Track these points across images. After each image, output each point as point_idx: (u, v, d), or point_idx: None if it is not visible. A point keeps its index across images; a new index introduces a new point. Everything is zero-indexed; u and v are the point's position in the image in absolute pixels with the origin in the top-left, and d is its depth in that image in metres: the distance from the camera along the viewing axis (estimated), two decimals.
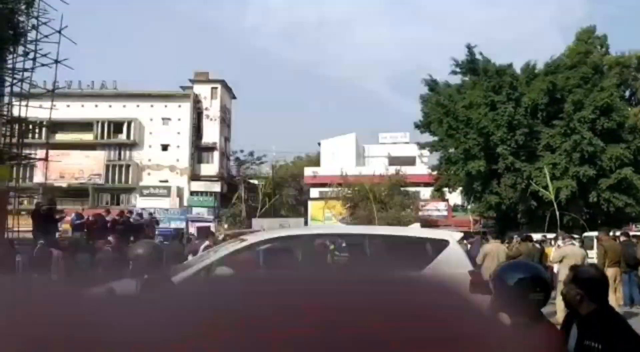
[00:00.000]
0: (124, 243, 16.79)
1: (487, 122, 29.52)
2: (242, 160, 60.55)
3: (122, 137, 48.99)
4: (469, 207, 34.34)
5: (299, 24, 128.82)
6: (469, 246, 14.69)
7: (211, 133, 49.28)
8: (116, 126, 48.37)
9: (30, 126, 21.43)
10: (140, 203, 45.71)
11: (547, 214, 23.08)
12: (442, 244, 5.74)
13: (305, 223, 39.56)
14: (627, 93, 38.58)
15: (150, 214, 21.28)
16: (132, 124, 48.62)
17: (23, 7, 15.26)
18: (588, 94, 29.20)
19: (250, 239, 6.04)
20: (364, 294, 0.56)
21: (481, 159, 30.05)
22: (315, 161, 60.67)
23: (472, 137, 30.18)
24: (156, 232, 20.60)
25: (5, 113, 15.53)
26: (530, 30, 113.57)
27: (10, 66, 15.33)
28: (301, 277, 0.63)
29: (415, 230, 6.83)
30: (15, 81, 15.22)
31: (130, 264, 3.71)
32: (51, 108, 15.16)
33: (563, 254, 9.33)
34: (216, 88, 50.07)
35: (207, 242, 13.68)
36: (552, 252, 11.32)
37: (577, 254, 9.19)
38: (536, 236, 15.40)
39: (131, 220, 19.47)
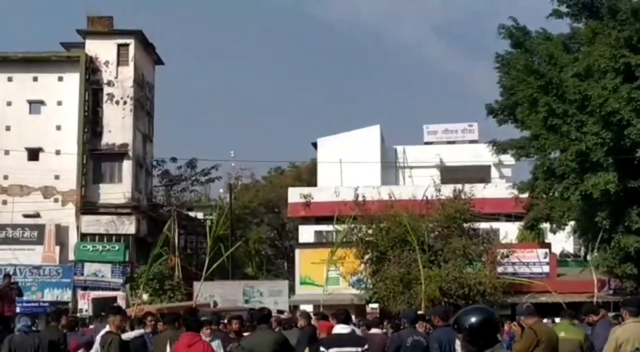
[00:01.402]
0: None
1: (619, 104, 29.56)
2: (175, 176, 60.82)
3: None
4: (589, 257, 34.29)
5: None
6: (588, 328, 14.60)
7: (118, 127, 49.32)
8: None
9: None
10: None
11: None
12: None
13: (291, 288, 39.49)
14: None
15: (8, 275, 21.19)
16: None
17: None
18: None
19: None
20: None
21: (609, 170, 30.05)
22: (308, 176, 60.77)
23: (591, 130, 30.16)
24: (16, 310, 20.50)
25: None
26: None
27: None
28: None
29: None
30: None
31: None
32: None
33: None
34: (126, 46, 50.22)
35: (107, 327, 13.59)
36: None
37: None
38: None
39: None
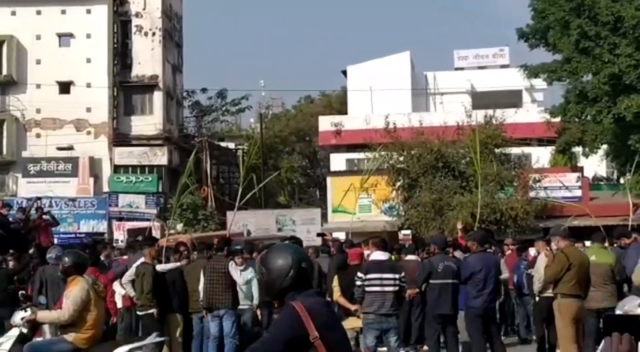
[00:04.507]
0: None
1: None
2: (205, 106, 60.82)
3: None
4: (622, 180, 34.16)
5: None
6: (622, 251, 14.58)
7: (147, 58, 49.29)
8: None
9: None
10: (24, 189, 46.12)
11: None
12: None
13: (324, 216, 39.69)
14: None
15: (41, 208, 21.41)
16: (5, 46, 48.75)
17: None
18: None
19: None
20: None
21: None
22: (338, 105, 60.60)
23: (624, 52, 29.80)
24: (54, 241, 20.77)
25: None
26: None
27: None
28: None
29: None
30: None
31: None
32: None
33: None
34: None
35: (142, 259, 13.75)
36: None
37: None
38: None
39: (11, 220, 19.60)
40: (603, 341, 8.76)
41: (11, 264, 16.93)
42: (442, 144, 32.98)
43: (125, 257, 16.67)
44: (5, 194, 44.49)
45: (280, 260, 4.71)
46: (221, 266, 13.39)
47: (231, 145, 58.57)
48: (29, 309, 10.44)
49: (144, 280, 13.27)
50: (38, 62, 48.70)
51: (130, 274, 13.72)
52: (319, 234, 28.06)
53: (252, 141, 47.89)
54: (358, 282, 11.89)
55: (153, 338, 10.15)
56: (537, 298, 13.84)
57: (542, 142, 42.21)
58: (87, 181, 47.20)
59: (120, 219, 44.77)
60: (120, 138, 48.33)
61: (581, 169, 38.19)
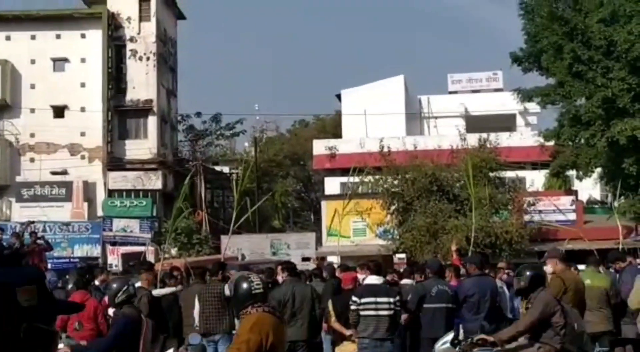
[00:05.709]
0: None
1: None
2: (199, 131, 60.89)
3: None
4: (615, 204, 34.19)
5: None
6: (616, 275, 14.60)
7: (142, 83, 49.35)
8: None
9: None
10: (18, 214, 46.03)
11: None
12: None
13: (319, 240, 39.67)
14: None
15: (35, 233, 21.39)
16: None
17: None
18: None
19: None
20: None
21: (635, 116, 29.86)
22: (332, 128, 60.73)
23: (617, 76, 29.93)
24: (48, 266, 20.73)
25: None
26: None
27: None
28: None
29: None
30: None
31: None
32: None
33: None
34: (148, 1, 50.03)
35: (138, 283, 13.76)
36: None
37: None
38: None
39: (5, 245, 19.58)
40: None
41: None
42: (437, 168, 33.08)
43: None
44: None
45: None
46: (216, 291, 13.38)
47: (226, 169, 58.57)
48: None
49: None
50: (32, 86, 48.74)
51: None
52: (304, 259, 27.88)
53: (246, 165, 47.86)
54: (353, 307, 11.86)
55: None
56: None
57: (536, 165, 42.36)
58: (81, 205, 47.11)
59: (115, 243, 44.66)
60: (114, 162, 48.28)
61: (575, 193, 38.29)
